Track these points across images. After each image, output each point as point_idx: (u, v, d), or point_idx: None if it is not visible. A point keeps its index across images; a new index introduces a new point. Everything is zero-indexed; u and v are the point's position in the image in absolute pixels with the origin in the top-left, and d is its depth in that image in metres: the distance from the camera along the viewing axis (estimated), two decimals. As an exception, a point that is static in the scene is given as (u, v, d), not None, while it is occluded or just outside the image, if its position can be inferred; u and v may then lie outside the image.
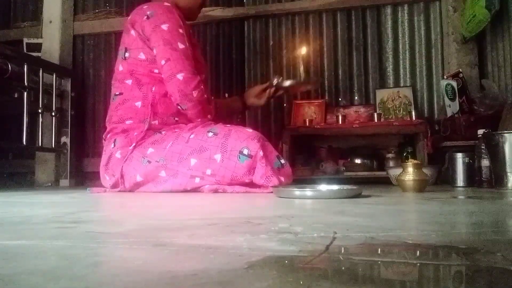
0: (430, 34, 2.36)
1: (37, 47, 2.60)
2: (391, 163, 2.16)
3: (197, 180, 1.47)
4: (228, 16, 2.52)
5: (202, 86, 1.60)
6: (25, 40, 2.66)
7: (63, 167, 2.47)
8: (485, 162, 1.54)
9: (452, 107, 2.00)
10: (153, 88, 1.62)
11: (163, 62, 1.58)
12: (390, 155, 2.23)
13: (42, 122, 2.21)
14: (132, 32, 1.64)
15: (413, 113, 2.13)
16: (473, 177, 1.65)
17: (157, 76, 1.62)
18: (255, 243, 0.46)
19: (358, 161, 2.30)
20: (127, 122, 1.62)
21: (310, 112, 2.41)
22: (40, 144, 2.21)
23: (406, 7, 2.40)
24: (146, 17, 1.61)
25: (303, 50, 2.12)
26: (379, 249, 0.43)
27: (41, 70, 2.19)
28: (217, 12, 2.41)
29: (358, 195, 1.14)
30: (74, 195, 1.49)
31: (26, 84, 2.06)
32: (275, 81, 1.89)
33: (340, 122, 2.21)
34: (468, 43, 2.18)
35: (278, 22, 2.54)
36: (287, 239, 0.48)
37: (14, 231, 0.60)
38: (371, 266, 0.37)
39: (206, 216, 0.81)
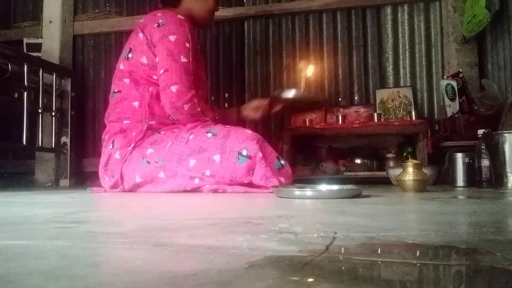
0: (430, 34, 2.36)
1: (37, 47, 2.60)
2: (391, 163, 2.16)
3: (196, 181, 1.47)
4: (228, 16, 2.52)
5: (195, 100, 1.59)
6: (25, 40, 2.66)
7: (63, 167, 2.47)
8: (485, 162, 1.54)
9: (452, 107, 2.00)
10: (150, 89, 1.62)
11: (161, 71, 1.59)
12: (390, 155, 2.23)
13: (42, 122, 2.21)
14: (140, 35, 1.65)
15: (413, 113, 2.13)
16: (473, 177, 1.64)
17: (155, 81, 1.63)
18: (255, 243, 0.46)
19: (358, 161, 2.30)
20: (125, 122, 1.62)
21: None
22: (40, 144, 2.21)
23: (406, 7, 2.40)
24: (157, 24, 1.62)
25: (309, 70, 1.89)
26: (379, 249, 0.43)
27: (41, 70, 2.19)
28: (217, 12, 2.40)
29: (358, 195, 1.14)
30: (74, 195, 1.49)
31: (26, 84, 2.06)
32: (276, 93, 1.79)
33: (340, 122, 2.21)
34: (468, 43, 2.18)
35: (278, 22, 2.54)
36: (287, 239, 0.48)
37: (14, 231, 0.60)
38: (371, 266, 0.37)
39: (206, 216, 0.81)
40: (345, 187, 1.29)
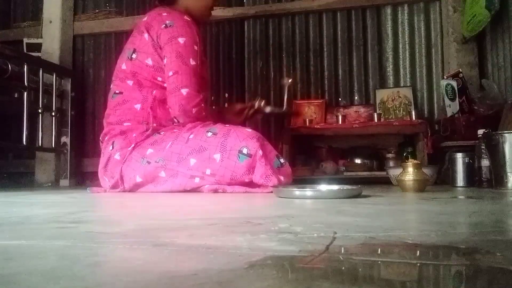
0: (430, 34, 2.36)
1: (37, 47, 2.60)
2: (391, 163, 2.16)
3: (197, 180, 1.47)
4: (228, 16, 2.52)
5: (202, 104, 1.62)
6: (25, 40, 2.67)
7: (63, 167, 2.47)
8: (485, 162, 1.54)
9: (452, 107, 2.00)
10: (154, 92, 1.61)
11: (170, 73, 1.58)
12: (390, 155, 2.23)
13: (42, 122, 2.21)
14: (146, 35, 1.63)
15: (413, 113, 2.13)
16: (473, 177, 1.64)
17: (159, 83, 1.62)
18: (255, 243, 0.46)
19: (358, 161, 2.30)
20: (125, 124, 1.61)
21: (310, 112, 2.40)
22: (40, 144, 2.21)
23: (406, 7, 2.40)
24: (164, 25, 1.60)
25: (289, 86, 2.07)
26: (379, 249, 0.43)
27: (41, 70, 2.19)
28: (217, 12, 2.40)
29: (358, 195, 1.14)
30: (74, 195, 1.49)
31: (26, 84, 2.06)
32: (257, 104, 1.92)
33: (340, 122, 2.21)
34: (468, 43, 2.18)
35: (278, 22, 2.54)
36: (287, 239, 0.48)
37: (14, 231, 0.60)
38: (371, 266, 0.37)
39: (206, 216, 0.81)
40: (345, 187, 1.29)
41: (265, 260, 0.38)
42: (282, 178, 1.45)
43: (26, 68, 2.07)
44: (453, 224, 0.63)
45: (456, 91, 1.97)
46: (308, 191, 1.17)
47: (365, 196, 1.15)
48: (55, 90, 2.31)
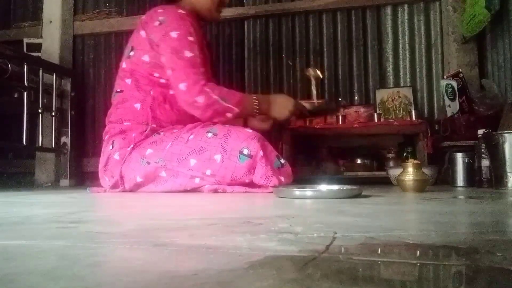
0: (430, 34, 2.36)
1: (37, 47, 2.60)
2: (391, 163, 2.16)
3: (197, 180, 1.47)
4: (228, 16, 2.52)
5: (207, 89, 1.52)
6: (25, 40, 2.67)
7: (63, 167, 2.47)
8: (485, 162, 1.54)
9: (452, 107, 2.00)
10: (151, 92, 1.61)
11: (169, 72, 1.57)
12: (390, 155, 2.23)
13: (42, 122, 2.21)
14: (142, 33, 1.63)
15: (413, 113, 2.13)
16: (473, 177, 1.64)
17: (156, 79, 1.61)
18: (255, 243, 0.46)
19: (358, 161, 2.30)
20: (125, 123, 1.61)
21: (310, 112, 2.40)
22: (40, 144, 2.21)
23: (406, 7, 2.40)
24: (158, 22, 1.59)
25: (317, 77, 1.87)
26: (379, 249, 0.43)
27: (41, 70, 2.19)
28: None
29: (358, 195, 1.14)
30: (74, 195, 1.49)
31: (26, 84, 2.06)
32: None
33: (340, 122, 2.21)
34: (468, 43, 2.18)
35: (278, 22, 2.54)
36: (287, 239, 0.48)
37: (14, 231, 0.60)
38: (371, 266, 0.37)
39: (206, 216, 0.81)
40: (345, 187, 1.29)
41: (265, 260, 0.38)
42: (282, 178, 1.45)
43: (26, 68, 2.07)
44: (453, 224, 0.63)
45: (456, 91, 1.97)
46: (308, 191, 1.17)
47: (365, 196, 1.15)
48: (55, 90, 2.31)
